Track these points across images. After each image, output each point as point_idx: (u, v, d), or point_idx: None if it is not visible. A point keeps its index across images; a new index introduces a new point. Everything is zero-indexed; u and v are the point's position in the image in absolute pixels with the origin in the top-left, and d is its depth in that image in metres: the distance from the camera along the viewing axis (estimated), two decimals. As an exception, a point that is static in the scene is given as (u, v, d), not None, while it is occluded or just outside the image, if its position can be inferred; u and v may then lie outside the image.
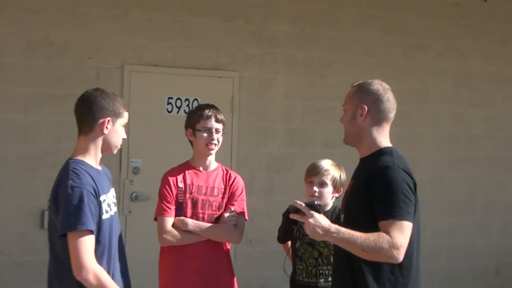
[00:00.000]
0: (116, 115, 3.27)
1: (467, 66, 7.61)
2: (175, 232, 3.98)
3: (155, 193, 6.21)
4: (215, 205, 4.09)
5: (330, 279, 3.96)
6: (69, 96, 5.89)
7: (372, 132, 3.29)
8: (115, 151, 3.37)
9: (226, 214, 4.07)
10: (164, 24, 6.44)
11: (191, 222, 4.00)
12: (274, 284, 6.82)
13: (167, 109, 6.49)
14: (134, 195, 6.37)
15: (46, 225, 5.72)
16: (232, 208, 4.10)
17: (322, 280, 4.03)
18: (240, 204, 4.16)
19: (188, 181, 4.07)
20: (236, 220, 4.09)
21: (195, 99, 6.50)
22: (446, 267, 7.53)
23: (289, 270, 4.24)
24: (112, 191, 3.38)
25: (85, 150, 3.25)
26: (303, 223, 3.12)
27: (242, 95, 6.72)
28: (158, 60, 6.45)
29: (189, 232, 3.99)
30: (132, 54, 6.34)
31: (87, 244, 3.03)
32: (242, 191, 4.20)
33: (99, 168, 3.32)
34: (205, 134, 4.06)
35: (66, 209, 3.03)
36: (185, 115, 6.26)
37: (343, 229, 3.05)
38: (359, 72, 6.83)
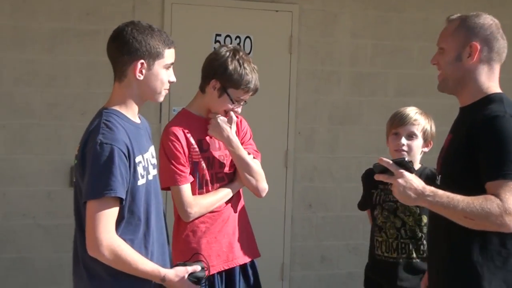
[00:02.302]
0: (152, 56, 2.94)
1: None
2: (200, 201, 3.66)
3: None
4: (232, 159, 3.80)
5: (414, 255, 3.84)
6: (101, 32, 5.84)
7: (481, 75, 3.06)
8: (160, 98, 3.06)
9: None
10: None
11: (210, 201, 3.70)
12: (336, 256, 6.70)
13: (214, 49, 6.20)
14: None
15: (75, 184, 5.63)
16: (252, 157, 3.80)
17: (404, 255, 3.85)
18: (254, 147, 3.89)
19: (198, 135, 3.71)
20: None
21: (247, 37, 6.32)
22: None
23: None
24: (152, 150, 3.11)
25: (121, 99, 2.98)
26: (391, 184, 2.90)
27: (302, 32, 6.46)
28: (204, -10, 6.17)
29: (210, 195, 3.71)
30: (174, -17, 6.09)
31: (108, 214, 2.80)
32: (250, 135, 3.92)
33: (138, 121, 3.06)
34: (232, 105, 3.70)
35: (93, 171, 2.79)
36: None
37: (441, 192, 2.84)
38: (443, 7, 6.61)
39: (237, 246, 3.77)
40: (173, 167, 3.60)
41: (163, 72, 2.99)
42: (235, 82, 3.63)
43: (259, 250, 3.94)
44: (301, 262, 6.56)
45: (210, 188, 3.71)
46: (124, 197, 2.81)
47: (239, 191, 3.83)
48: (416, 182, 2.85)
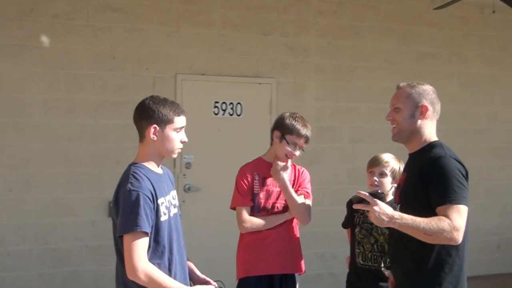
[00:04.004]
0: (163, 122, 2.74)
1: (471, 70, 7.28)
2: (253, 220, 3.61)
3: (205, 185, 6.06)
4: None
5: (382, 265, 3.62)
6: (130, 102, 5.73)
7: (427, 129, 2.95)
8: (172, 155, 2.83)
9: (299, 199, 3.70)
10: (211, 38, 6.14)
11: (260, 222, 3.62)
12: (308, 261, 6.33)
13: (213, 112, 6.16)
14: (187, 187, 6.06)
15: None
16: (303, 196, 3.70)
17: (376, 264, 3.65)
18: (307, 190, 3.79)
19: (264, 174, 3.67)
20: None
21: (238, 103, 6.21)
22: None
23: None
24: (173, 193, 2.90)
25: (144, 156, 2.80)
26: (367, 211, 2.74)
27: (279, 98, 6.37)
28: (206, 69, 6.12)
29: (265, 217, 3.63)
30: (184, 64, 6.05)
31: (140, 245, 2.60)
32: (308, 181, 3.83)
33: (160, 171, 2.85)
34: (290, 148, 3.64)
35: (124, 212, 2.62)
36: (230, 116, 6.13)
37: (406, 215, 2.71)
38: (379, 77, 6.77)
39: (282, 259, 3.66)
40: (238, 194, 3.65)
41: (174, 134, 2.78)
42: (289, 129, 3.63)
43: (303, 268, 3.80)
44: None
45: (266, 213, 3.65)
46: (148, 231, 2.62)
47: (293, 218, 3.72)
48: (388, 209, 2.71)
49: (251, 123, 6.09)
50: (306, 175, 3.82)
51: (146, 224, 2.60)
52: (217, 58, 6.11)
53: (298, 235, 3.79)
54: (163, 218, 2.72)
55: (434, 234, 2.65)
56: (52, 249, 5.57)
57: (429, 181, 2.76)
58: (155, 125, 2.73)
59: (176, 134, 2.79)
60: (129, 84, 5.77)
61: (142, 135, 2.78)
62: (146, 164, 2.77)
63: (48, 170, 5.57)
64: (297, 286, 3.73)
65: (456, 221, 2.65)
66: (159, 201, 2.70)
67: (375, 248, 3.63)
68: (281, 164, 3.64)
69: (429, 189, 2.75)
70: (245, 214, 3.61)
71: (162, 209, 2.72)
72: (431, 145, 2.91)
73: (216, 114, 6.11)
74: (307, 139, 3.69)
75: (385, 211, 2.68)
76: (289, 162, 3.76)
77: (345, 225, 3.92)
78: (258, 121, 6.13)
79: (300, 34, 6.42)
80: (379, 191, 2.80)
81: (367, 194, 2.73)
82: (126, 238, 2.59)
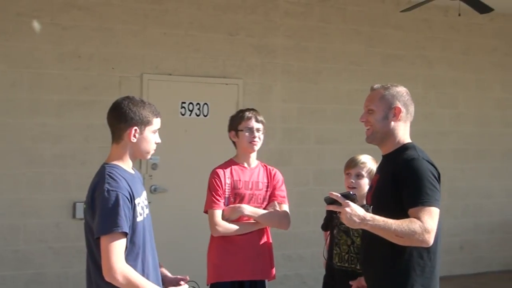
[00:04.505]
0: (143, 123, 2.73)
1: (435, 72, 7.38)
2: (226, 224, 3.58)
3: (171, 186, 6.02)
4: (260, 198, 3.70)
5: (358, 266, 3.58)
6: (95, 102, 5.70)
7: (400, 130, 2.95)
8: (147, 157, 2.84)
9: (271, 209, 3.68)
10: (178, 38, 6.11)
11: (248, 208, 3.60)
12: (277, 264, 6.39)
13: (180, 112, 6.12)
14: (153, 188, 6.00)
15: (77, 216, 5.44)
16: (276, 203, 3.70)
17: (353, 265, 3.62)
18: (282, 194, 3.77)
19: (235, 177, 3.66)
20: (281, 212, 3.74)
21: (205, 103, 6.19)
22: (421, 245, 7.16)
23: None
24: (144, 194, 2.88)
25: (118, 156, 2.76)
26: (339, 212, 2.74)
27: (246, 99, 6.32)
28: (173, 69, 6.09)
29: (239, 223, 3.60)
30: (150, 64, 6.00)
31: (118, 246, 2.57)
32: (282, 183, 3.81)
33: (132, 172, 2.83)
34: (247, 134, 3.67)
35: (102, 212, 2.58)
36: (196, 117, 6.11)
37: (378, 217, 2.71)
38: (345, 79, 6.80)
39: (252, 265, 3.64)
40: (211, 196, 3.62)
41: (152, 135, 2.79)
42: (237, 119, 3.73)
43: (273, 274, 3.78)
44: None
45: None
46: (128, 232, 2.61)
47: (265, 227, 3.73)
48: (359, 210, 2.70)
49: (218, 123, 6.00)
50: (279, 177, 3.80)
51: (125, 224, 2.58)
52: (183, 59, 6.08)
53: (270, 240, 3.76)
54: (139, 218, 2.70)
55: (406, 236, 2.64)
56: (15, 251, 5.47)
57: (402, 183, 2.76)
58: (135, 127, 2.71)
59: (153, 135, 2.80)
60: (94, 84, 5.71)
61: (118, 137, 2.74)
62: (120, 164, 2.74)
63: (10, 170, 5.47)
64: None
65: (427, 223, 2.65)
66: (136, 201, 2.69)
67: (352, 249, 3.60)
68: (231, 211, 3.61)
69: (402, 191, 2.75)
70: (218, 218, 3.56)
71: (139, 209, 2.71)
72: (404, 147, 2.91)
73: (183, 115, 6.07)
74: (257, 119, 3.70)
75: (356, 212, 2.67)
76: (256, 162, 3.77)
77: (324, 227, 3.88)
78: (225, 122, 5.93)
79: (267, 35, 6.43)
80: (351, 192, 2.80)
81: (339, 195, 2.72)
82: (104, 238, 2.55)
